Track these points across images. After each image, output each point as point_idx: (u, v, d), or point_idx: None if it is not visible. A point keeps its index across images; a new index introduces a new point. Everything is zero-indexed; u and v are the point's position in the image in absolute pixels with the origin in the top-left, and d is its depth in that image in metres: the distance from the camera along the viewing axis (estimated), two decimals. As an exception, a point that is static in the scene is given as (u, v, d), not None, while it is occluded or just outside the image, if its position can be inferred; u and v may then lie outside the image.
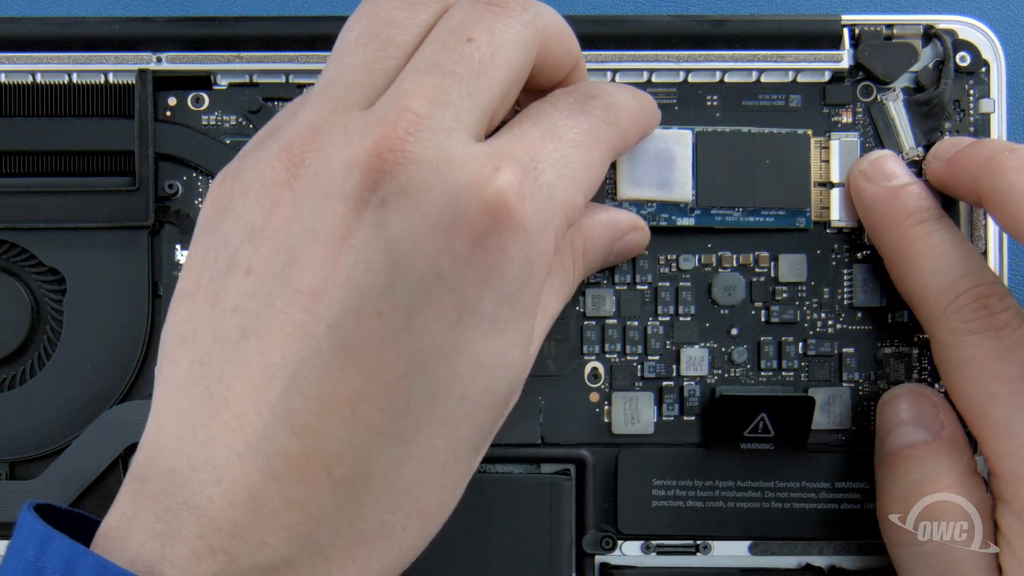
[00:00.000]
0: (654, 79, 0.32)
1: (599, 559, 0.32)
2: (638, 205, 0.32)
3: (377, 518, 0.22)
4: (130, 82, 0.32)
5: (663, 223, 0.32)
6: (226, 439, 0.21)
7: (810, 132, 0.32)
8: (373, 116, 0.22)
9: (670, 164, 0.32)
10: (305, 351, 0.21)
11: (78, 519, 0.24)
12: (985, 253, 0.32)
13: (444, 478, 0.23)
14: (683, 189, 0.32)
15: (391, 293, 0.21)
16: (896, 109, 0.32)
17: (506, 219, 0.21)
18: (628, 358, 0.32)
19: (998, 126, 0.32)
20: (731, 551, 0.32)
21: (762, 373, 0.32)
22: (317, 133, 0.22)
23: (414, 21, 0.24)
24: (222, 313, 0.22)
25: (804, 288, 0.32)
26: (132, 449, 0.31)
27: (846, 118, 0.32)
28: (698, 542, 0.32)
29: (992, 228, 0.32)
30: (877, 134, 0.32)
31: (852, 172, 0.32)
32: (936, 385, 0.32)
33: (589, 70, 0.32)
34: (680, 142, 0.32)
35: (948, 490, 0.28)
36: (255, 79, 0.32)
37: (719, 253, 0.32)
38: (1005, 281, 0.31)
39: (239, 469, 0.21)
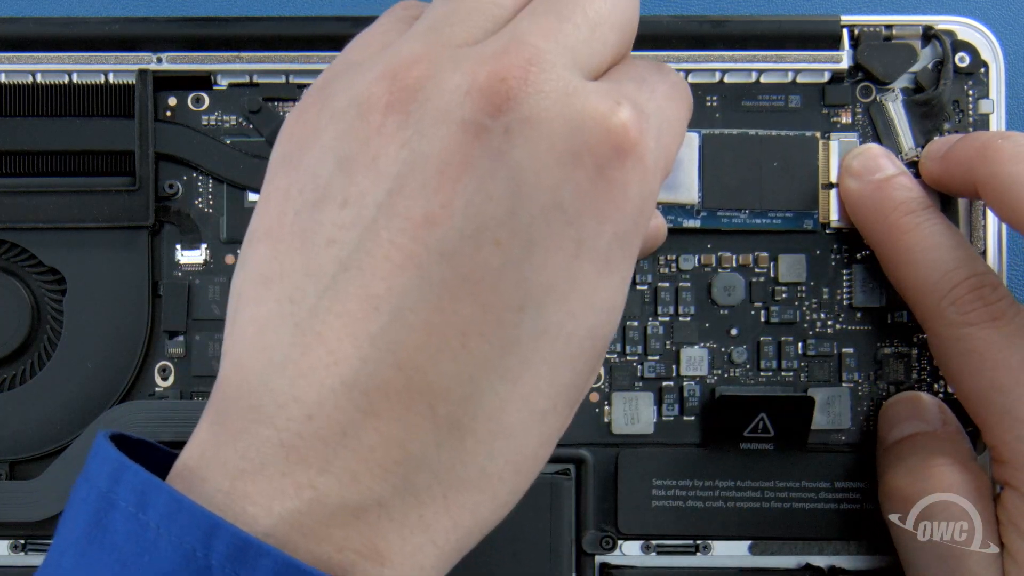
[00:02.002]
0: (654, 79, 0.32)
1: (599, 559, 0.32)
2: (638, 205, 0.32)
3: (477, 464, 0.21)
4: (130, 82, 0.32)
5: (670, 225, 0.32)
6: (319, 375, 0.20)
7: (818, 134, 0.32)
8: (490, 47, 0.21)
9: (676, 166, 0.32)
10: (414, 280, 0.20)
11: (153, 451, 0.23)
12: (984, 250, 0.32)
13: (543, 428, 0.22)
14: (689, 191, 0.32)
15: (511, 222, 0.20)
16: (895, 110, 0.32)
17: (629, 152, 0.21)
18: (628, 358, 0.32)
19: (997, 126, 0.32)
20: (731, 551, 0.32)
21: (762, 373, 0.32)
22: (426, 61, 0.21)
23: None
24: (315, 247, 0.21)
25: (804, 288, 0.32)
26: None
27: (845, 118, 0.32)
28: (698, 542, 0.32)
29: (991, 225, 0.32)
30: (876, 135, 0.32)
31: (840, 169, 0.32)
32: (936, 386, 0.32)
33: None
34: (686, 144, 0.32)
35: (950, 472, 0.28)
36: (255, 79, 0.32)
37: (719, 253, 0.32)
38: (1004, 276, 0.32)
39: (333, 405, 0.20)
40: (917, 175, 0.32)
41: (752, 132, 0.32)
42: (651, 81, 0.24)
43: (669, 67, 0.25)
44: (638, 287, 0.32)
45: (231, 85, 0.32)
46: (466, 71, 0.21)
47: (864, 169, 0.31)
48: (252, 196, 0.32)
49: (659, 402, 0.32)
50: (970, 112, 0.32)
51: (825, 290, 0.32)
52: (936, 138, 0.32)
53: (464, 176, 0.20)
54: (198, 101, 0.33)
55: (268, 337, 0.21)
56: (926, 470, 0.28)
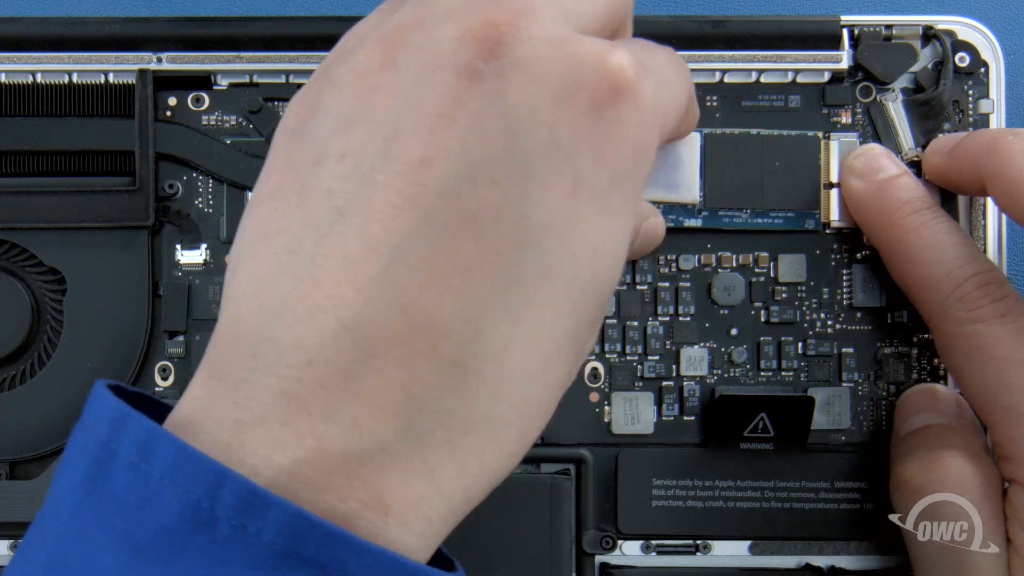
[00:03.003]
0: (654, 79, 0.32)
1: (599, 559, 0.32)
2: (640, 205, 0.32)
3: (481, 407, 0.20)
4: (130, 82, 0.32)
5: (671, 224, 0.32)
6: (318, 319, 0.20)
7: (820, 134, 0.32)
8: (480, 1, 0.21)
9: (678, 166, 0.32)
10: (413, 221, 0.20)
11: (152, 405, 0.22)
12: (984, 248, 0.32)
13: (548, 375, 0.22)
14: (691, 191, 0.32)
15: (508, 160, 0.20)
16: (895, 109, 0.32)
17: (626, 91, 0.21)
18: (628, 358, 0.32)
19: (997, 126, 0.32)
20: (731, 551, 0.32)
21: (762, 373, 0.32)
22: (419, 20, 0.21)
23: None
24: (313, 199, 0.21)
25: (804, 288, 0.32)
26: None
27: (845, 118, 0.32)
28: (698, 542, 0.32)
29: (991, 223, 0.32)
30: (876, 135, 0.32)
31: (842, 169, 0.32)
32: (938, 384, 0.32)
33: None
34: (688, 144, 0.32)
35: (961, 464, 0.28)
36: (255, 79, 0.32)
37: (719, 253, 0.32)
38: (1004, 273, 0.32)
39: (333, 349, 0.19)
40: (918, 175, 0.32)
41: (754, 132, 0.32)
42: (651, 48, 0.24)
43: (670, 49, 0.25)
44: (638, 287, 0.32)
45: (231, 85, 0.32)
46: (457, 20, 0.21)
47: (867, 169, 0.31)
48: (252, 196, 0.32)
49: (659, 402, 0.32)
50: (970, 112, 0.32)
51: (825, 290, 0.32)
52: (941, 135, 0.32)
53: (459, 117, 0.20)
54: (198, 101, 0.33)
55: (266, 289, 0.20)
56: (937, 461, 0.28)
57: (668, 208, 0.32)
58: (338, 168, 0.21)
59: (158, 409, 0.22)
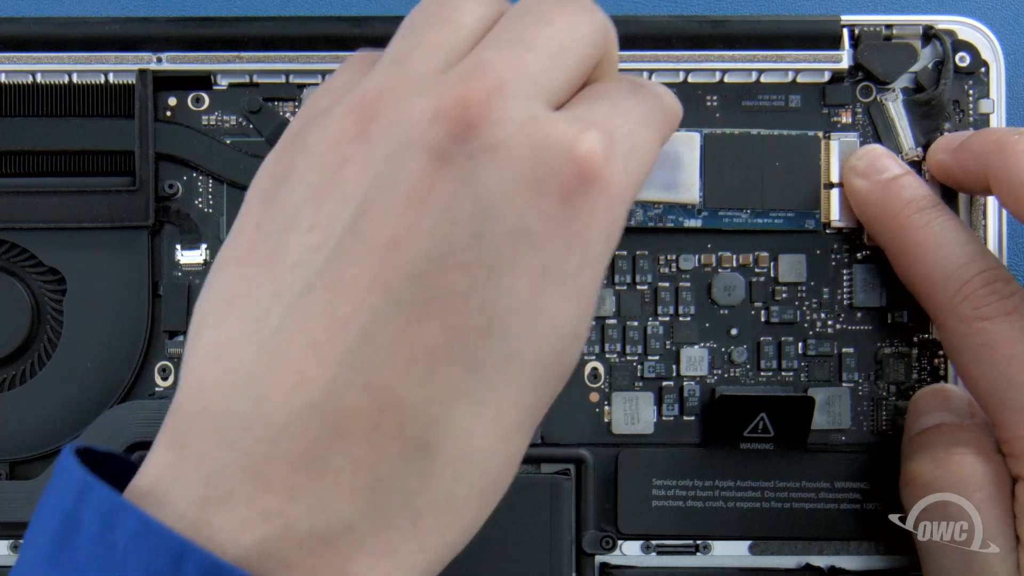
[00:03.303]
0: (654, 79, 0.32)
1: (599, 559, 0.32)
2: (645, 207, 0.32)
3: (445, 487, 0.21)
4: (130, 82, 0.32)
5: (670, 224, 0.32)
6: (285, 396, 0.20)
7: (820, 134, 0.32)
8: (456, 74, 0.21)
9: (677, 166, 0.32)
10: (381, 301, 0.20)
11: (117, 462, 0.22)
12: (985, 246, 0.32)
13: (508, 450, 0.22)
14: (690, 191, 0.32)
15: (477, 246, 0.20)
16: (896, 109, 0.32)
17: (595, 179, 0.21)
18: (628, 358, 0.32)
19: (997, 126, 0.32)
20: (731, 551, 0.32)
21: (762, 373, 0.32)
22: (391, 91, 0.22)
23: (484, 11, 0.24)
24: (281, 269, 0.21)
25: (804, 288, 0.32)
26: (132, 449, 0.31)
27: (846, 118, 0.32)
28: (698, 542, 0.32)
29: (992, 222, 0.32)
30: (877, 134, 0.32)
31: (844, 169, 0.32)
32: (950, 385, 0.32)
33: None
34: (688, 144, 0.32)
35: (971, 462, 0.28)
36: (255, 79, 0.32)
37: (719, 253, 0.32)
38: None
39: (300, 427, 0.20)
40: (918, 175, 0.32)
41: (754, 132, 0.32)
42: (624, 105, 0.23)
43: (649, 87, 0.25)
44: (638, 287, 0.32)
45: (231, 85, 0.32)
46: (431, 98, 0.21)
47: (870, 169, 0.31)
48: (252, 196, 0.32)
49: (659, 402, 0.32)
50: (970, 112, 0.32)
51: (825, 290, 0.32)
52: (946, 133, 0.32)
53: (430, 200, 0.20)
54: (198, 101, 0.33)
55: (231, 358, 0.21)
56: (947, 459, 0.28)
57: (668, 208, 0.32)
58: (308, 239, 0.21)
59: (127, 470, 0.22)
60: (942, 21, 0.32)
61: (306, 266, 0.21)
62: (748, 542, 0.32)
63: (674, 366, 0.32)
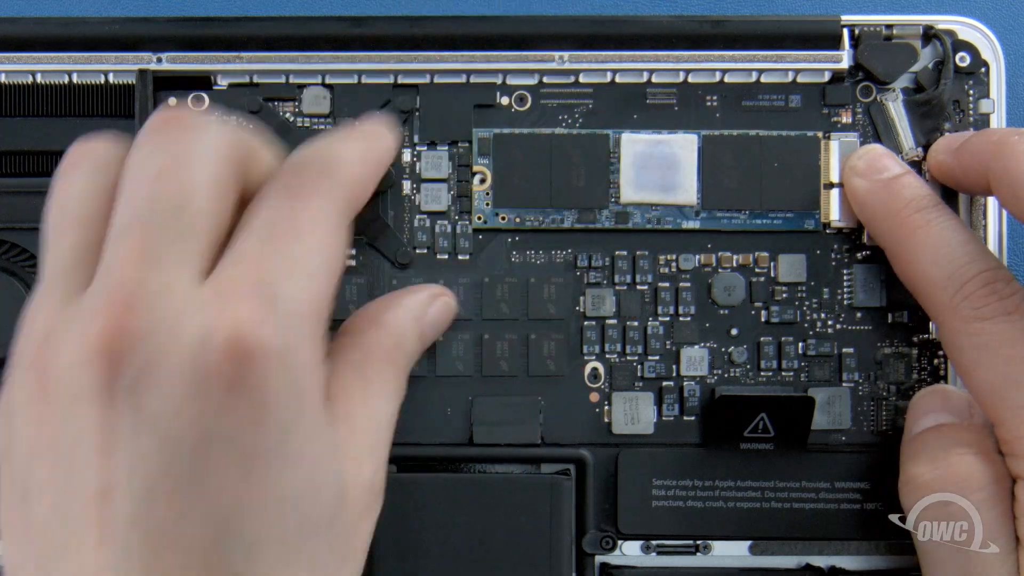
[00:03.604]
0: (654, 79, 0.32)
1: (599, 559, 0.32)
2: (642, 208, 0.32)
3: None
4: (130, 82, 0.32)
5: (668, 226, 0.32)
6: None
7: (820, 134, 0.32)
8: (92, 300, 0.21)
9: (674, 167, 0.32)
10: (117, 552, 0.20)
11: None
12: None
13: None
14: (688, 192, 0.32)
15: (174, 470, 0.21)
16: (896, 109, 0.32)
17: (251, 355, 0.21)
18: (628, 358, 0.32)
19: (997, 126, 0.32)
20: (731, 551, 0.32)
21: (762, 373, 0.32)
22: (48, 336, 0.22)
23: (103, 181, 0.23)
24: (36, 535, 0.21)
25: (804, 288, 0.32)
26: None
27: (846, 118, 0.32)
28: (698, 542, 0.32)
29: (992, 222, 0.32)
30: (877, 134, 0.32)
31: (844, 169, 0.32)
32: (950, 386, 0.32)
33: (588, 71, 0.32)
34: (685, 146, 0.32)
35: (971, 462, 0.28)
36: (255, 79, 0.32)
37: (719, 253, 0.32)
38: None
39: None
40: (918, 174, 0.32)
41: (752, 132, 0.32)
42: (278, 226, 0.23)
43: (313, 168, 0.24)
44: (638, 287, 0.32)
45: (231, 85, 0.32)
46: (78, 337, 0.21)
47: (870, 169, 0.31)
48: (252, 196, 0.32)
49: (659, 402, 0.32)
50: (970, 112, 0.32)
51: (825, 290, 0.32)
52: (947, 134, 0.32)
53: (114, 444, 0.20)
54: (198, 101, 0.33)
55: None
56: (947, 459, 0.28)
57: (666, 210, 0.32)
58: (42, 505, 0.21)
59: None
60: (942, 21, 0.32)
61: (54, 530, 0.21)
62: (748, 542, 0.32)
63: (674, 366, 0.32)
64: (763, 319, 0.32)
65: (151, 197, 0.22)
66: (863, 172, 0.31)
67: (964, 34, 0.32)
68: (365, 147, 0.27)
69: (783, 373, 0.32)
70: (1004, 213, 0.32)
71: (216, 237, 0.23)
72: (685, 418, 0.32)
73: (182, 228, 0.22)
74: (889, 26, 0.32)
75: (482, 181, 0.32)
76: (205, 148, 0.23)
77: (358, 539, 0.24)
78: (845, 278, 0.32)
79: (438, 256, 0.32)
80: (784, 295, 0.32)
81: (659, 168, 0.32)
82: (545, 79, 0.32)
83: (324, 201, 0.24)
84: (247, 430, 0.21)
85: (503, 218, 0.32)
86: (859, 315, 0.32)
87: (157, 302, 0.21)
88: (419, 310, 0.29)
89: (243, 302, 0.21)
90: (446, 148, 0.32)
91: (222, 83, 0.32)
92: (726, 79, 0.32)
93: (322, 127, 0.32)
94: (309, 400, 0.22)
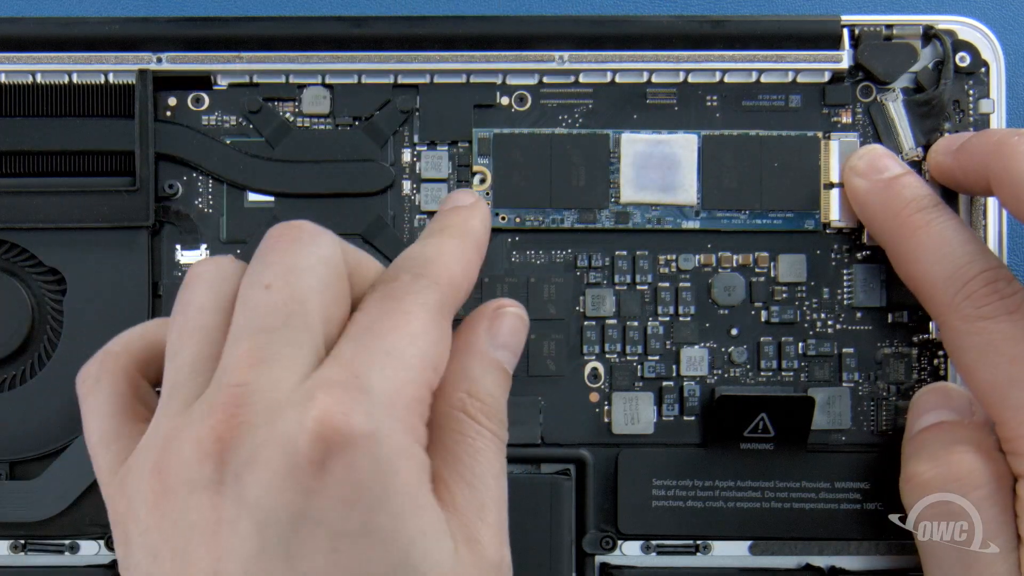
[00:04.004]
0: (654, 79, 0.32)
1: (599, 559, 0.32)
2: (642, 208, 0.32)
3: None
4: (130, 82, 0.32)
5: (668, 226, 0.32)
6: None
7: (820, 134, 0.32)
8: (206, 402, 0.23)
9: (675, 167, 0.32)
10: None
11: None
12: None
13: None
14: (688, 192, 0.32)
15: (268, 550, 0.22)
16: (896, 109, 0.32)
17: (337, 438, 0.22)
18: (628, 358, 0.32)
19: (997, 126, 0.32)
20: (731, 551, 0.32)
21: (762, 373, 0.32)
22: (167, 440, 0.23)
23: (222, 294, 0.25)
24: None
25: (804, 288, 0.32)
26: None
27: (846, 118, 0.32)
28: (698, 542, 0.32)
29: (992, 222, 0.32)
30: (877, 134, 0.32)
31: (844, 169, 0.32)
32: (951, 383, 0.32)
33: (588, 71, 0.32)
34: (685, 146, 0.32)
35: (972, 459, 0.28)
36: (255, 79, 0.32)
37: (719, 253, 0.32)
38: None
39: None
40: (919, 174, 0.32)
41: (752, 132, 0.32)
42: (374, 328, 0.24)
43: (408, 272, 0.26)
44: (638, 287, 0.32)
45: (231, 85, 0.32)
46: (193, 434, 0.23)
47: (870, 169, 0.31)
48: (252, 196, 0.32)
49: (659, 402, 0.32)
50: (970, 112, 0.32)
51: (825, 290, 0.32)
52: (947, 135, 0.32)
53: (220, 532, 0.22)
54: (198, 101, 0.33)
55: None
56: (948, 456, 0.28)
57: (665, 210, 0.32)
58: None
59: None
60: (942, 21, 0.32)
61: None
62: (748, 542, 0.32)
63: (674, 366, 0.32)
64: (763, 319, 0.32)
65: (264, 304, 0.24)
66: (863, 172, 0.31)
67: (964, 34, 0.32)
68: (458, 241, 0.28)
69: (783, 373, 0.32)
70: (1004, 213, 0.32)
71: (325, 341, 0.24)
72: (685, 418, 0.32)
73: (291, 332, 0.23)
74: (889, 26, 0.32)
75: (482, 181, 0.32)
76: (314, 259, 0.25)
77: None
78: (845, 278, 0.32)
79: (438, 256, 0.32)
80: (784, 295, 0.32)
81: (659, 168, 0.32)
82: (545, 79, 0.32)
83: (418, 298, 0.25)
84: (335, 509, 0.22)
85: (503, 218, 0.32)
86: (859, 315, 0.32)
87: (263, 399, 0.22)
88: (493, 349, 0.28)
89: (330, 393, 0.22)
90: (446, 148, 0.32)
91: (222, 83, 0.32)
92: (726, 79, 0.32)
93: (322, 127, 0.32)
94: (402, 481, 0.23)
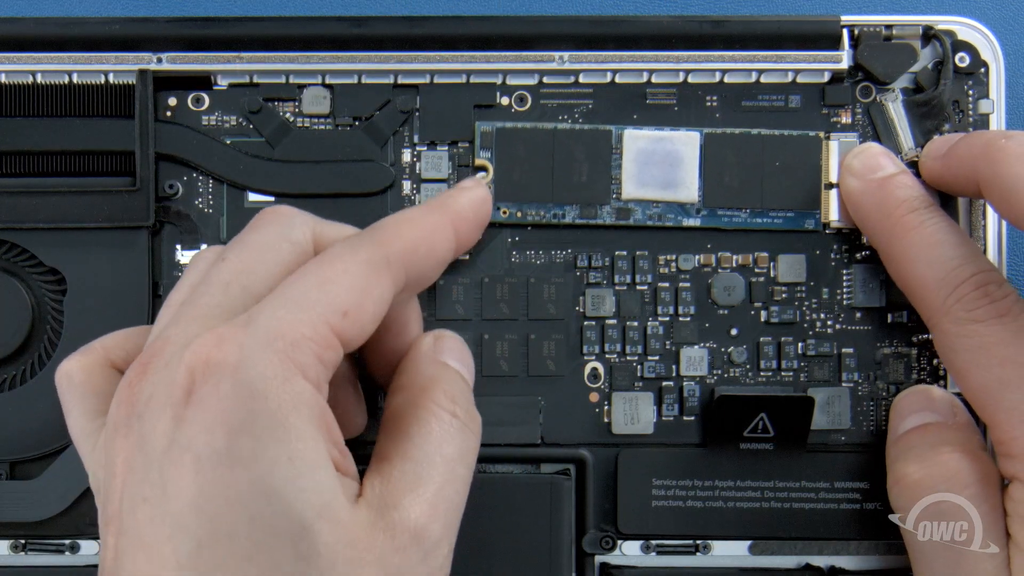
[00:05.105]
0: (654, 79, 0.32)
1: (599, 559, 0.32)
2: (643, 205, 0.32)
3: None
4: (130, 82, 0.32)
5: (669, 223, 0.32)
6: None
7: (820, 134, 0.32)
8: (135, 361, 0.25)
9: (677, 165, 0.32)
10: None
11: None
12: (984, 250, 0.32)
13: None
14: (689, 190, 0.32)
15: (147, 479, 0.23)
16: (895, 110, 0.32)
17: (204, 368, 0.23)
18: (628, 358, 0.32)
19: (997, 126, 0.32)
20: (731, 551, 0.32)
21: (762, 373, 0.32)
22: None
23: (203, 273, 0.27)
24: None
25: (803, 288, 0.32)
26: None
27: (845, 119, 0.33)
28: (698, 542, 0.32)
29: (991, 224, 0.32)
30: (876, 135, 0.32)
31: (840, 169, 0.32)
32: (937, 385, 0.32)
33: (588, 71, 0.32)
34: (687, 143, 0.32)
35: (958, 460, 0.28)
36: (255, 79, 0.32)
37: (719, 253, 0.32)
38: (1005, 276, 0.31)
39: None
40: (917, 175, 0.32)
41: (754, 132, 0.32)
42: (291, 280, 0.25)
43: (369, 231, 0.27)
44: (638, 287, 0.32)
45: (231, 85, 0.32)
46: (118, 391, 0.25)
47: (865, 168, 0.31)
48: (252, 196, 0.32)
49: (659, 402, 0.32)
50: (970, 112, 0.32)
51: (825, 290, 0.32)
52: (936, 137, 0.32)
53: (120, 471, 0.24)
54: (198, 101, 0.33)
55: None
56: (934, 458, 0.29)
57: (667, 207, 0.32)
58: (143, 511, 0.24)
59: None
60: (942, 21, 0.32)
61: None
62: (748, 542, 0.32)
63: (674, 366, 0.32)
64: (763, 319, 0.32)
65: (213, 274, 0.26)
66: (858, 171, 0.31)
67: (964, 34, 0.32)
68: (427, 211, 0.29)
69: (783, 373, 0.32)
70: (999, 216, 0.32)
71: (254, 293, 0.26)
72: (685, 418, 0.32)
73: (221, 296, 0.26)
74: (889, 26, 0.32)
75: (484, 175, 0.32)
76: (277, 236, 0.27)
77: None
78: (845, 278, 0.32)
79: (438, 256, 0.32)
80: (784, 295, 0.32)
81: (661, 165, 0.32)
82: (545, 79, 0.32)
83: (348, 251, 0.26)
84: (201, 433, 0.23)
85: (504, 212, 0.32)
86: (858, 315, 0.32)
87: (171, 348, 0.24)
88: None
89: (212, 333, 0.24)
90: (446, 148, 0.32)
91: (222, 83, 0.32)
92: (726, 79, 0.32)
93: (322, 127, 0.32)
94: (271, 407, 0.23)
